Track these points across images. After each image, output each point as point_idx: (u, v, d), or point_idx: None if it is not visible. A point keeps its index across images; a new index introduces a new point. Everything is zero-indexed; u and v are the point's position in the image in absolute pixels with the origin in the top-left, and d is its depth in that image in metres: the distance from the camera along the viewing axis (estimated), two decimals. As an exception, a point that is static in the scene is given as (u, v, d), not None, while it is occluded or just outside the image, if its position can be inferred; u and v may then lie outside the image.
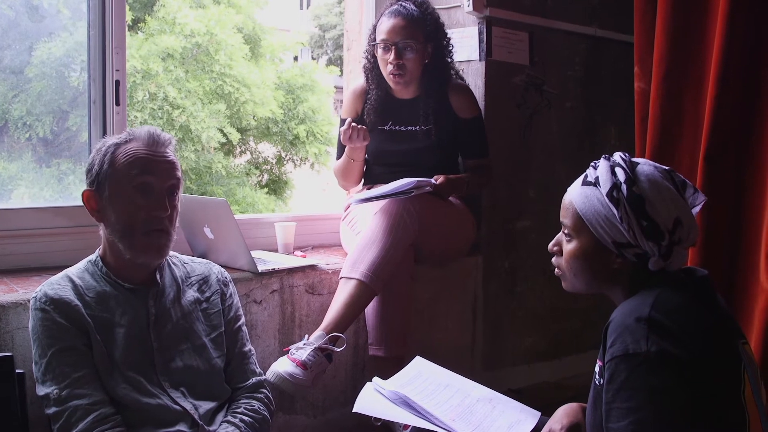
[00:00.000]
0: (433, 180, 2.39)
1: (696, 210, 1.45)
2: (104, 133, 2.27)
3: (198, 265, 1.82)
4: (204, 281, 1.78)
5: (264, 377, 1.83)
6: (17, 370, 1.59)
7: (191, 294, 1.74)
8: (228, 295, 1.81)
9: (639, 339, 1.26)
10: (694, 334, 1.29)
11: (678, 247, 1.39)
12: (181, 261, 1.80)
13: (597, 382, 1.38)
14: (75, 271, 1.66)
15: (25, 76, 3.62)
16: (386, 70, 2.54)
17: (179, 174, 1.66)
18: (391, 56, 2.50)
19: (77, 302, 1.57)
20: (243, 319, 1.83)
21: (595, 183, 1.43)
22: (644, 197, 1.38)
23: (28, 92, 4.24)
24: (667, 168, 1.44)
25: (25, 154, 4.55)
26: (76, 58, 2.95)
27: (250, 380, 1.76)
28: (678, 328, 1.28)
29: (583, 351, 3.16)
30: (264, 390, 1.78)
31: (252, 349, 1.83)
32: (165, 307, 1.67)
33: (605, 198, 1.40)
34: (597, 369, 1.39)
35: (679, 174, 1.45)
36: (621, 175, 1.40)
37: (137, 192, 1.59)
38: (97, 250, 1.70)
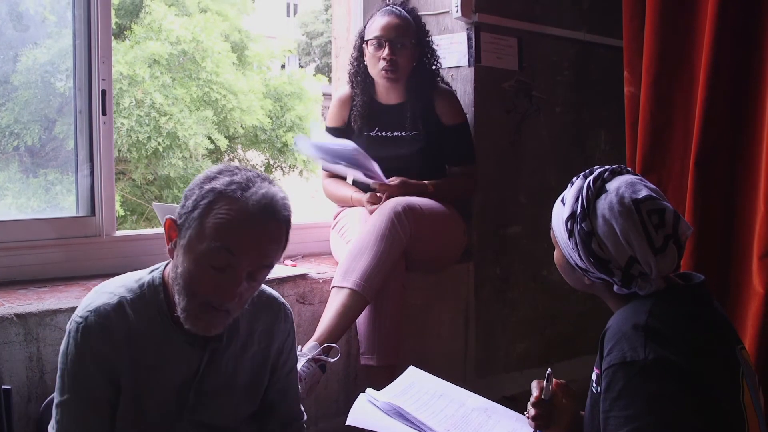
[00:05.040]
0: (386, 179, 2.41)
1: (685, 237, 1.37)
2: (91, 142, 2.23)
3: (264, 309, 1.56)
4: (268, 334, 1.56)
5: (305, 418, 1.71)
6: (3, 386, 1.56)
7: (250, 349, 1.53)
8: (288, 349, 1.61)
9: (636, 347, 1.25)
10: (691, 340, 1.28)
11: (639, 279, 1.35)
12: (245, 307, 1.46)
13: (594, 390, 1.37)
14: (130, 295, 1.41)
15: (12, 84, 3.58)
16: (377, 66, 2.53)
17: (277, 257, 1.40)
18: (385, 52, 2.49)
19: (121, 342, 1.37)
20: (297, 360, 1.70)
21: (564, 203, 1.43)
22: (593, 234, 1.35)
23: (15, 101, 4.20)
24: (642, 197, 1.34)
25: (11, 163, 4.50)
26: (61, 65, 2.92)
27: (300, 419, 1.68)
28: (675, 336, 1.27)
29: (577, 356, 3.15)
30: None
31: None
32: (217, 362, 1.47)
33: (563, 224, 1.41)
34: (594, 377, 1.38)
35: (662, 201, 1.35)
36: (578, 205, 1.38)
37: (210, 266, 1.33)
38: (163, 266, 1.46)
